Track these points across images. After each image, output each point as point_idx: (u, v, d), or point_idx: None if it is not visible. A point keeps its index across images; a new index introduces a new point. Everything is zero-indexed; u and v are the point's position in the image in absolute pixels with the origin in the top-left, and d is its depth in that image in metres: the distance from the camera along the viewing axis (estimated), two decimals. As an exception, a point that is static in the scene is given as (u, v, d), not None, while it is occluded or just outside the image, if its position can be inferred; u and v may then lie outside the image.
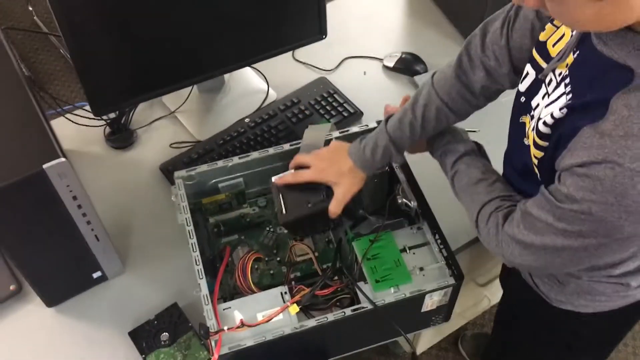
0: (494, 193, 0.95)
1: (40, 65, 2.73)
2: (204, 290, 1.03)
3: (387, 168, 1.21)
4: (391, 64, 1.56)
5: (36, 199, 0.96)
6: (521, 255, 0.86)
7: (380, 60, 1.59)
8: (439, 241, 1.09)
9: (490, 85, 1.02)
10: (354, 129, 1.24)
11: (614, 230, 0.74)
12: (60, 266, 1.11)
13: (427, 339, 1.79)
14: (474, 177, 0.99)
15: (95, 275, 1.17)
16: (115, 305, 1.17)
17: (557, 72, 0.83)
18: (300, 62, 1.58)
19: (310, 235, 1.19)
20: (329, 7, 1.43)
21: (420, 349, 1.82)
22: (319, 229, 1.12)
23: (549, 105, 0.82)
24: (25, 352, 1.12)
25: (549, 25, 0.89)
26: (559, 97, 0.81)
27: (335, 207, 1.07)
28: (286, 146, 1.22)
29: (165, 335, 1.09)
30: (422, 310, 1.08)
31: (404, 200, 1.16)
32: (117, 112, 1.40)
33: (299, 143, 1.21)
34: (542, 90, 0.87)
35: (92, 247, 1.10)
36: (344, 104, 1.46)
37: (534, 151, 0.87)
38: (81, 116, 1.41)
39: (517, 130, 0.95)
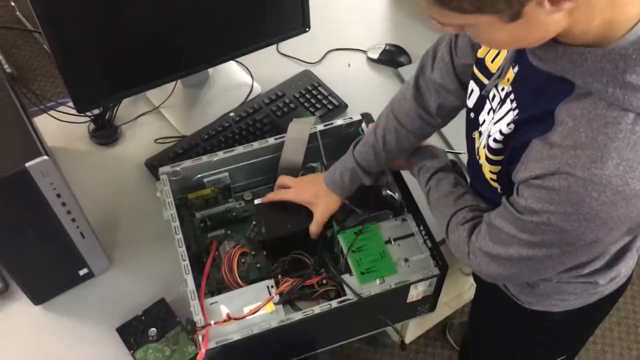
0: (461, 204, 0.97)
1: (23, 61, 2.70)
2: (191, 285, 1.03)
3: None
4: (375, 56, 1.56)
5: (19, 197, 0.96)
6: (488, 266, 0.87)
7: (364, 52, 1.59)
8: (423, 232, 1.10)
9: (444, 104, 1.04)
10: (339, 121, 1.25)
11: (576, 238, 0.75)
12: (46, 264, 1.11)
13: (414, 328, 1.81)
14: (444, 190, 1.02)
15: (82, 272, 1.17)
16: (102, 301, 1.17)
17: (500, 87, 0.84)
18: (285, 55, 1.58)
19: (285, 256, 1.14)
20: (311, -1, 1.43)
21: (408, 338, 1.84)
22: (296, 249, 1.13)
23: (498, 122, 0.83)
24: (13, 351, 1.12)
25: None
26: (506, 114, 0.82)
27: (314, 228, 1.12)
28: (271, 140, 1.22)
29: (153, 331, 1.10)
30: (408, 301, 1.10)
31: (388, 192, 1.17)
32: (101, 108, 1.40)
33: (284, 137, 1.22)
34: (487, 106, 0.88)
35: (78, 245, 1.10)
36: (329, 97, 1.46)
37: (488, 167, 0.88)
38: (65, 113, 1.41)
39: (471, 146, 0.96)
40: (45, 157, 0.93)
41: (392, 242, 1.10)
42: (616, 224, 0.72)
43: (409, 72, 1.53)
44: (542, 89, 0.76)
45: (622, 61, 0.66)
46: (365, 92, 1.50)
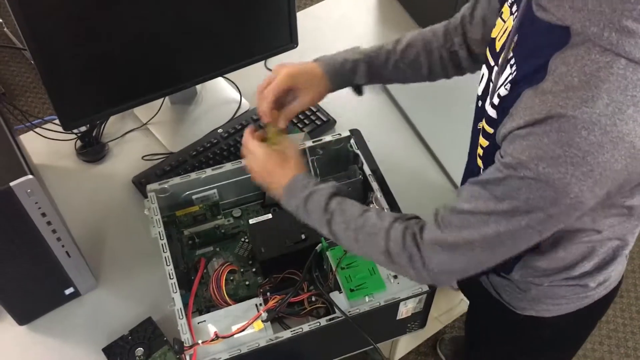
0: (390, 217, 0.90)
1: (11, 77, 2.69)
2: (178, 304, 1.02)
3: (359, 176, 1.22)
4: (363, 72, 1.56)
5: (4, 216, 0.95)
6: (450, 261, 0.84)
7: (353, 67, 1.59)
8: (412, 248, 1.09)
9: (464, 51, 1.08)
10: (327, 137, 1.25)
11: (561, 193, 0.73)
12: (31, 283, 1.09)
13: (405, 344, 1.80)
14: (356, 211, 0.92)
15: (68, 291, 1.15)
16: (88, 321, 1.16)
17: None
18: (273, 71, 1.58)
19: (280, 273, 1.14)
20: (299, 15, 1.43)
21: (398, 354, 1.83)
22: (293, 267, 1.13)
23: (499, 89, 0.84)
24: (-3, 372, 1.11)
25: (498, 20, 0.92)
26: (506, 78, 0.83)
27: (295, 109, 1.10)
28: (259, 156, 1.21)
29: (140, 351, 1.08)
30: (398, 318, 1.09)
31: (376, 207, 1.17)
32: (88, 126, 1.39)
33: (272, 153, 1.21)
34: (491, 90, 0.88)
35: (64, 264, 1.09)
36: (317, 113, 1.46)
37: (481, 141, 0.88)
38: (51, 130, 1.39)
39: (474, 137, 0.96)
40: (30, 177, 0.92)
41: (381, 259, 1.09)
42: (601, 176, 0.71)
43: (397, 87, 1.53)
44: (537, 46, 0.77)
45: (620, 4, 0.68)
46: (354, 108, 1.50)
